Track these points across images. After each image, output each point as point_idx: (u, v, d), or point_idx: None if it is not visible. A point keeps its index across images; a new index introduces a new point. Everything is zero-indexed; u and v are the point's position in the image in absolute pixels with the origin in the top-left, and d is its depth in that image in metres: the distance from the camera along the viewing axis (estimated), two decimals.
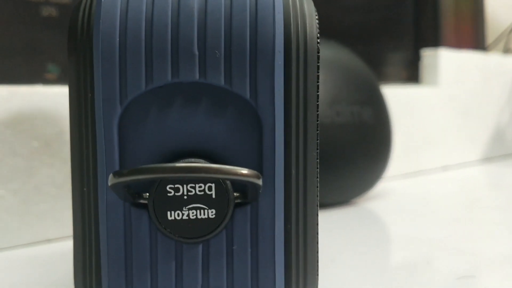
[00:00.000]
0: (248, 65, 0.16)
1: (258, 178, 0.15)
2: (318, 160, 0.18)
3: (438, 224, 0.37)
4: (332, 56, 0.41)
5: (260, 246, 0.16)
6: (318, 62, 0.17)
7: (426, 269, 0.28)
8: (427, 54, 0.60)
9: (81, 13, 0.17)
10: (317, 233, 0.18)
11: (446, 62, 0.60)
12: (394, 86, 0.57)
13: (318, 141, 0.18)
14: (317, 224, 0.18)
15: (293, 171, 0.17)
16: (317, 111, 0.17)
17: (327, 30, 0.52)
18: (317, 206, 0.18)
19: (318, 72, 0.17)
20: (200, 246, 0.16)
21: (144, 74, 0.16)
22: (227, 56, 0.16)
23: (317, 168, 0.18)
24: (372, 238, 0.34)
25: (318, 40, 0.17)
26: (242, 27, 0.16)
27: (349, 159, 0.40)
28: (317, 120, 0.17)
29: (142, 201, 0.16)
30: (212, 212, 0.16)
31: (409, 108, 0.57)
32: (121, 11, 0.16)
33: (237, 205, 0.16)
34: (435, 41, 0.63)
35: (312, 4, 0.18)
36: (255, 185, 0.15)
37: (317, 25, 0.17)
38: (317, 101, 0.17)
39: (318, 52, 0.17)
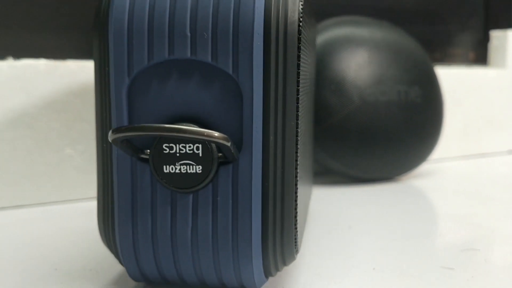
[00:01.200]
0: (231, 45, 0.19)
1: (227, 140, 0.18)
2: (298, 130, 0.20)
3: (474, 202, 0.38)
4: (380, 37, 0.43)
5: (239, 199, 0.19)
6: (299, 43, 0.20)
7: (435, 239, 0.30)
8: (496, 35, 0.59)
9: (103, 0, 0.20)
10: (296, 192, 0.20)
11: None
12: (460, 67, 0.57)
13: (299, 113, 0.20)
14: (296, 184, 0.20)
15: (271, 137, 0.19)
16: (298, 87, 0.20)
17: (391, 10, 0.53)
18: (296, 169, 0.20)
19: (299, 53, 0.20)
20: (191, 196, 0.20)
21: (146, 52, 0.19)
22: (213, 37, 0.19)
23: (297, 136, 0.20)
24: (401, 211, 0.35)
25: (300, 24, 0.20)
26: (226, 13, 0.19)
27: (393, 137, 0.42)
28: (297, 94, 0.20)
29: (144, 156, 0.20)
30: (199, 168, 0.19)
31: (474, 90, 0.57)
32: (130, 0, 0.19)
33: (222, 164, 0.20)
34: (507, 22, 0.61)
35: None
36: (225, 146, 0.18)
37: (301, 10, 0.20)
38: (298, 78, 0.20)
39: (300, 34, 0.20)
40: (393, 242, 0.29)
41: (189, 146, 0.19)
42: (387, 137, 0.42)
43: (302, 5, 0.20)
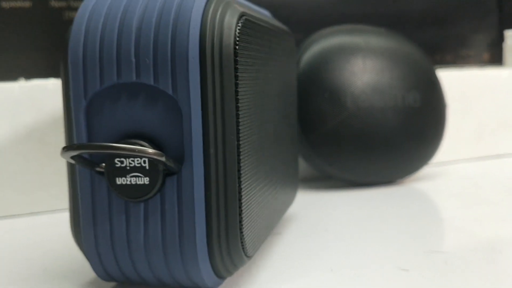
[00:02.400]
0: (169, 69, 0.21)
1: (161, 156, 0.20)
2: (238, 143, 0.22)
3: (468, 205, 0.39)
4: (376, 43, 0.44)
5: (184, 207, 0.22)
6: (236, 65, 0.22)
7: (404, 241, 0.31)
8: (510, 35, 0.59)
9: (68, 32, 0.23)
10: (240, 199, 0.22)
11: None
12: (473, 69, 0.57)
13: (240, 127, 0.22)
14: (240, 193, 0.22)
15: (212, 150, 0.21)
16: (237, 104, 0.22)
17: (400, 15, 0.54)
18: (239, 178, 0.22)
19: (237, 73, 0.22)
20: (142, 205, 0.22)
21: (98, 77, 0.22)
22: (155, 62, 0.21)
23: (238, 149, 0.22)
24: (388, 214, 0.37)
25: (237, 46, 0.22)
26: (165, 41, 0.21)
27: (389, 142, 0.43)
28: (237, 111, 0.22)
29: (100, 169, 0.22)
30: (147, 179, 0.22)
31: (487, 91, 0.56)
32: (85, 32, 0.22)
33: (168, 175, 0.22)
34: None
35: (235, 15, 0.22)
36: (160, 161, 0.21)
37: (237, 34, 0.22)
38: (237, 96, 0.22)
39: (236, 56, 0.22)
40: (362, 244, 0.30)
41: (137, 160, 0.22)
42: (383, 142, 0.43)
43: (240, 29, 0.22)
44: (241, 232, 0.23)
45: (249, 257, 0.24)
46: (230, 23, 0.22)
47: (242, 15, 0.23)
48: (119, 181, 0.22)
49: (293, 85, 0.34)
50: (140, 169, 0.22)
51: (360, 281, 0.25)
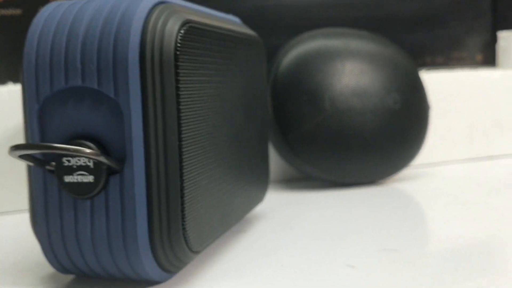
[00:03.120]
0: (112, 74, 0.22)
1: (98, 155, 0.22)
2: (180, 143, 0.23)
3: (440, 206, 0.39)
4: (355, 46, 0.45)
5: (126, 204, 0.23)
6: (178, 69, 0.23)
7: (361, 240, 0.32)
8: (503, 36, 0.59)
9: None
10: (182, 197, 0.24)
11: None
12: (464, 70, 0.57)
13: (182, 129, 0.23)
14: (182, 190, 0.24)
15: (153, 151, 0.23)
16: (179, 107, 0.23)
17: (390, 18, 0.54)
18: (181, 177, 0.24)
19: (178, 77, 0.23)
20: (89, 202, 0.23)
21: (49, 82, 0.23)
22: (98, 68, 0.23)
23: (180, 149, 0.23)
24: (358, 213, 0.37)
25: (178, 52, 0.23)
26: (108, 48, 0.22)
27: (368, 143, 0.44)
28: (179, 113, 0.23)
29: (50, 168, 0.24)
30: (92, 177, 0.23)
31: (479, 92, 0.57)
32: (38, 40, 0.24)
33: (112, 174, 0.23)
34: None
35: (178, 23, 0.23)
36: (98, 161, 0.22)
37: (179, 41, 0.23)
38: (178, 99, 0.23)
39: (177, 61, 0.23)
40: (320, 242, 0.31)
41: (83, 159, 0.23)
42: (362, 143, 0.44)
43: (182, 35, 0.23)
44: (184, 228, 0.24)
45: (195, 252, 0.25)
46: (171, 30, 0.23)
47: (186, 22, 0.24)
48: (67, 179, 0.23)
49: (260, 88, 0.35)
50: (85, 168, 0.23)
51: (305, 276, 0.26)
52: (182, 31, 0.24)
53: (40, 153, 0.24)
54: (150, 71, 0.23)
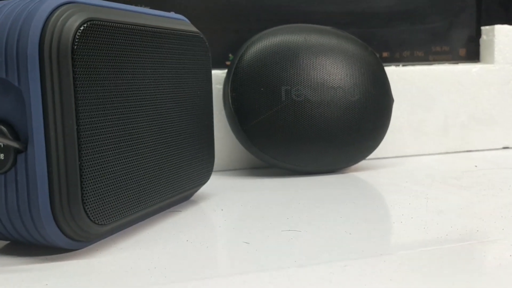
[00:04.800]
0: (16, 65, 0.26)
1: (3, 137, 0.25)
2: (79, 127, 0.27)
3: (384, 197, 0.41)
4: (315, 41, 0.47)
5: (30, 179, 0.26)
6: (75, 62, 0.26)
7: (279, 221, 0.34)
8: (485, 30, 0.59)
9: None
10: (81, 174, 0.27)
11: (503, 39, 0.58)
12: (448, 64, 0.58)
13: (80, 114, 0.27)
14: (82, 169, 0.27)
15: (52, 133, 0.26)
16: (76, 94, 0.26)
17: (369, 13, 0.56)
18: (80, 157, 0.27)
19: (75, 68, 0.26)
20: (3, 176, 0.27)
21: None
22: (6, 60, 0.26)
23: (79, 132, 0.27)
24: (301, 197, 0.40)
25: (75, 46, 0.26)
26: (13, 43, 0.26)
27: (323, 134, 0.46)
28: (76, 100, 0.26)
29: None
30: (2, 155, 0.27)
31: (458, 86, 0.57)
32: None
33: (19, 152, 0.27)
34: (499, 17, 0.61)
35: (78, 20, 0.27)
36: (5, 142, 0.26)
37: (78, 35, 0.26)
38: (76, 88, 0.26)
39: (74, 55, 0.26)
40: (233, 222, 0.34)
41: None
42: (316, 134, 0.46)
43: (81, 31, 0.27)
44: (84, 202, 0.27)
45: (100, 224, 0.29)
46: (70, 27, 0.26)
47: (88, 20, 0.27)
48: None
49: (203, 81, 0.38)
50: None
51: (201, 250, 0.29)
52: (81, 28, 0.27)
53: None
54: (49, 63, 0.26)
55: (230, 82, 0.46)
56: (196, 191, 0.40)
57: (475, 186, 0.42)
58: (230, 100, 0.46)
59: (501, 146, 0.59)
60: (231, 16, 0.54)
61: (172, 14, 0.37)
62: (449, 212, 0.35)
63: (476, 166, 0.50)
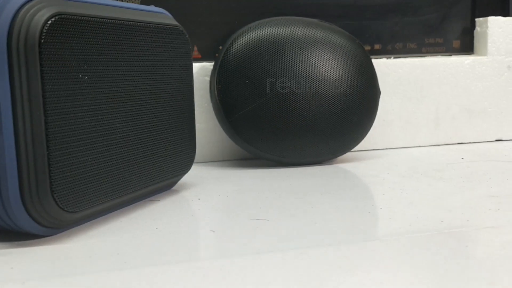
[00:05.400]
0: None
1: None
2: (45, 118, 0.28)
3: (365, 186, 0.41)
4: (301, 34, 0.47)
5: (1, 168, 0.28)
6: (42, 55, 0.27)
7: (244, 211, 0.35)
8: (479, 22, 0.59)
9: None
10: (49, 163, 0.28)
11: (497, 31, 0.58)
12: (441, 56, 0.58)
13: (47, 106, 0.28)
14: (50, 158, 0.28)
15: (20, 123, 0.27)
16: (44, 87, 0.27)
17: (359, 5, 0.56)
18: (48, 146, 0.28)
19: (42, 61, 0.27)
20: None
21: None
22: None
23: (46, 123, 0.28)
24: (276, 187, 0.41)
25: (42, 40, 0.27)
26: None
27: (310, 125, 0.46)
28: (44, 92, 0.27)
29: None
30: None
31: (450, 78, 0.57)
32: None
33: None
34: (494, 9, 0.60)
35: (46, 15, 0.28)
36: None
37: (45, 29, 0.27)
38: (43, 80, 0.27)
39: (41, 48, 0.27)
40: (208, 211, 0.34)
41: None
42: (301, 125, 0.46)
43: (49, 25, 0.28)
44: (52, 190, 0.28)
45: (70, 212, 0.30)
46: (38, 21, 0.27)
47: (56, 14, 0.28)
48: None
49: (182, 73, 0.39)
50: None
51: (167, 237, 0.30)
52: (49, 22, 0.28)
53: None
54: (16, 56, 0.27)
55: (216, 74, 0.47)
56: (177, 180, 0.41)
57: (455, 178, 0.42)
58: (216, 92, 0.47)
59: (494, 139, 0.59)
60: (223, 9, 0.55)
61: (152, 8, 0.38)
62: (420, 204, 0.35)
63: (463, 158, 0.50)
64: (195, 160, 0.51)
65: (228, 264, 0.26)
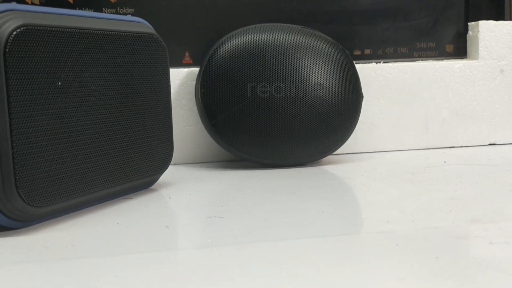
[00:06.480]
0: None
1: None
2: (10, 121, 0.30)
3: (338, 187, 0.43)
4: (284, 40, 0.49)
5: None
6: (7, 63, 0.30)
7: (222, 211, 0.36)
8: (470, 26, 0.59)
9: None
10: (13, 162, 0.31)
11: (488, 35, 0.58)
12: (436, 60, 0.59)
13: (12, 110, 0.30)
14: (14, 157, 0.31)
15: None
16: (9, 93, 0.30)
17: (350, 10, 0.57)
18: (12, 147, 0.30)
19: (7, 69, 0.30)
20: None
21: None
22: None
23: (11, 126, 0.30)
24: (251, 187, 0.42)
25: (7, 49, 0.30)
26: None
27: (289, 128, 0.48)
28: (9, 97, 0.30)
29: None
30: None
31: (440, 83, 0.58)
32: None
33: None
34: (488, 13, 0.60)
35: (11, 27, 0.30)
36: None
37: (10, 40, 0.30)
38: (8, 88, 0.30)
39: (6, 56, 0.30)
40: (173, 209, 0.37)
41: None
42: (281, 128, 0.48)
43: (14, 36, 0.30)
44: (17, 186, 0.31)
45: (35, 206, 0.32)
46: (3, 32, 0.30)
47: (22, 26, 0.31)
48: None
49: (154, 78, 0.41)
50: None
51: (123, 232, 0.32)
52: (14, 33, 0.31)
53: None
54: None
55: (201, 79, 0.49)
56: (155, 179, 0.43)
57: (426, 181, 0.43)
58: (200, 96, 0.49)
59: (488, 143, 0.59)
60: (215, 17, 0.57)
61: (128, 17, 0.40)
62: (376, 205, 0.36)
63: (445, 162, 0.51)
64: (184, 161, 0.54)
65: (172, 256, 0.28)
